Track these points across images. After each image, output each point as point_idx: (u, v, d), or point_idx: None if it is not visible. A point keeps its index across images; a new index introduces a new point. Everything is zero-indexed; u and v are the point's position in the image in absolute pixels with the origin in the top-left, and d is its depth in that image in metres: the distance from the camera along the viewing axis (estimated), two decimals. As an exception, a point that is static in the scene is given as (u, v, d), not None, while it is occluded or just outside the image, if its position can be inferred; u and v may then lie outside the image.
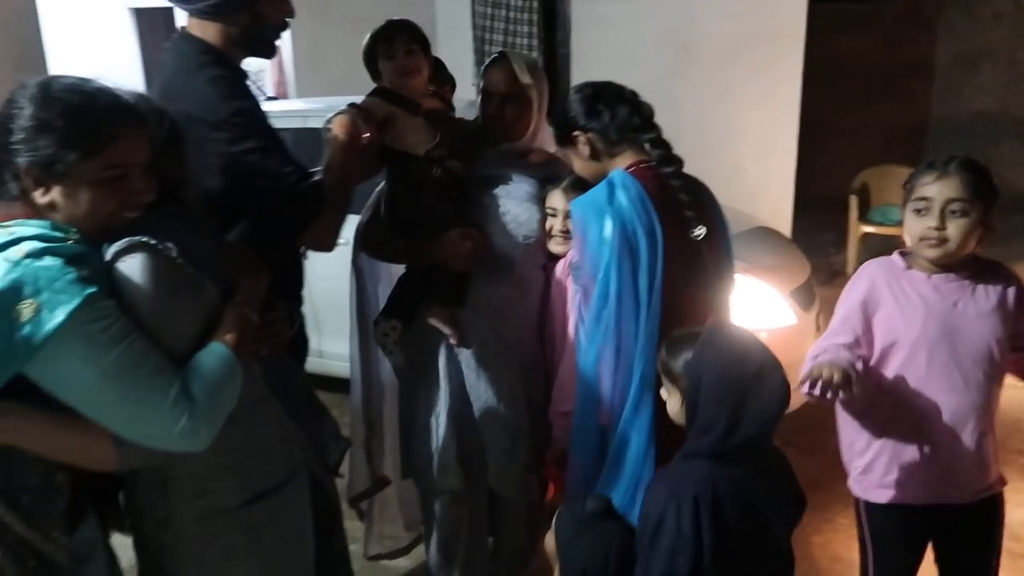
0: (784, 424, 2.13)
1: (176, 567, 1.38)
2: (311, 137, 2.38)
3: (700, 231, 1.65)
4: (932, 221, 1.60)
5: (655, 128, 1.72)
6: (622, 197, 1.59)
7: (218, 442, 1.26)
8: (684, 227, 1.64)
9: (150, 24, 9.61)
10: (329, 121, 1.78)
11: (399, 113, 1.89)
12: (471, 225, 1.91)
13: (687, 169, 1.73)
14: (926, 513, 1.73)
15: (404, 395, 2.11)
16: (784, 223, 5.03)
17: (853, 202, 5.57)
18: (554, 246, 1.97)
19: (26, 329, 1.07)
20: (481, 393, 1.96)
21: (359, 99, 1.90)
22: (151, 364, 1.16)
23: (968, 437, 1.66)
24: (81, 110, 1.17)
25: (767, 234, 3.56)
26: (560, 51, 5.41)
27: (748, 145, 5.00)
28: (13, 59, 3.14)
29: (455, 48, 5.17)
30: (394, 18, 1.99)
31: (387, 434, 2.22)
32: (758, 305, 2.89)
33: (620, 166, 1.69)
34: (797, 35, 4.77)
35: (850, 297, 1.75)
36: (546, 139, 2.05)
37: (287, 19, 1.74)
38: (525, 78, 1.96)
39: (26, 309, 1.07)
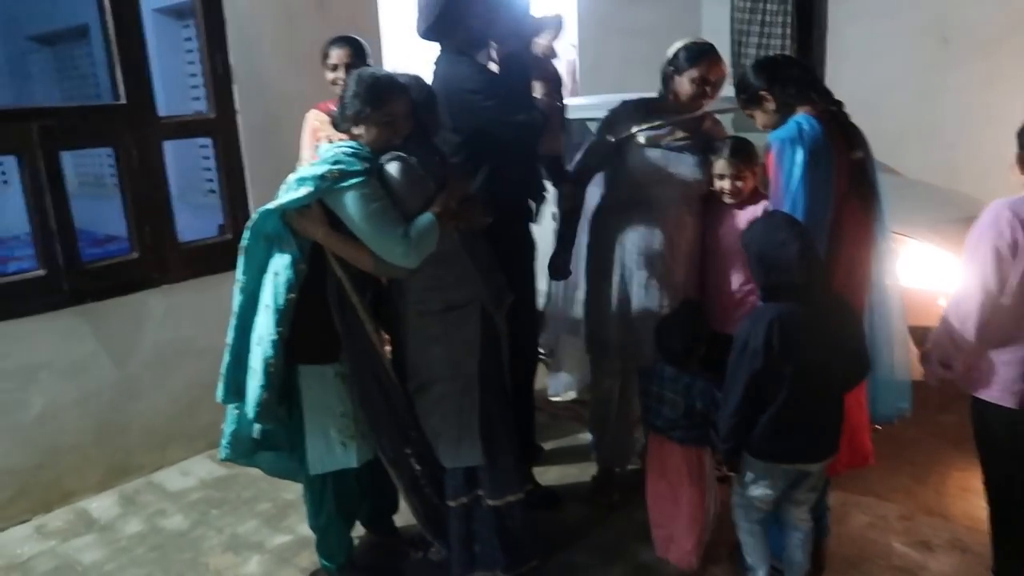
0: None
1: (404, 345, 2.30)
2: (582, 125, 3.72)
3: (859, 153, 2.22)
4: None
5: (820, 81, 2.24)
6: (808, 130, 2.11)
7: (428, 273, 2.18)
8: (848, 150, 2.18)
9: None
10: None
11: None
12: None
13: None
14: None
15: (588, 293, 2.82)
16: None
17: None
18: (725, 199, 2.51)
19: (328, 184, 2.05)
20: (642, 296, 2.60)
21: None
22: (391, 216, 2.08)
23: None
24: (372, 86, 2.13)
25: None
26: (815, 49, 5.70)
27: (1012, 135, 4.82)
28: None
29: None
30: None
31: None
32: (934, 270, 3.09)
33: (800, 113, 2.20)
34: (1070, 17, 4.55)
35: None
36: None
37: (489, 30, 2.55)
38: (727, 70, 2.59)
39: (334, 172, 2.05)
